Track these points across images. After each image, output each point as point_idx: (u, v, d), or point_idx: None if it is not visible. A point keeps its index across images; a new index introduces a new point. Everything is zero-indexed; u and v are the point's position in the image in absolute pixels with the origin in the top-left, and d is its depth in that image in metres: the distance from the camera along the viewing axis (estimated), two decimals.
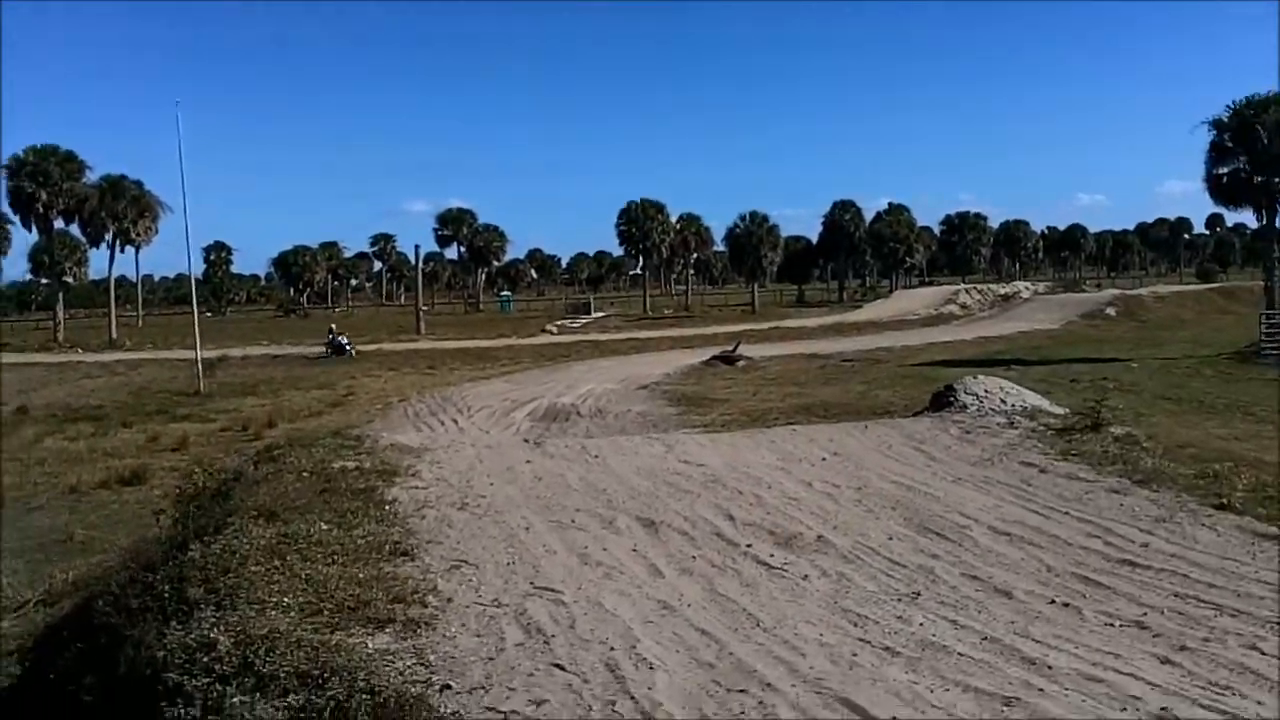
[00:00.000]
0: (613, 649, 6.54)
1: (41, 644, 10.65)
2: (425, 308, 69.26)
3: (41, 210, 60.45)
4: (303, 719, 5.52)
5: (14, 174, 60.18)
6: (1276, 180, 42.63)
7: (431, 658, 6.36)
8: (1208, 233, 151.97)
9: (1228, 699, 5.64)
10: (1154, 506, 9.91)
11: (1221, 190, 44.66)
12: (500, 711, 5.61)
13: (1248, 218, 45.64)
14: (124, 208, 64.61)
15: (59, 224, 63.55)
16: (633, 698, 5.79)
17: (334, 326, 51.66)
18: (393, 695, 5.64)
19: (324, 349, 48.17)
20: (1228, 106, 43.78)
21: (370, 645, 6.41)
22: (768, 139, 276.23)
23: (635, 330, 63.73)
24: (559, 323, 68.78)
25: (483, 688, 5.95)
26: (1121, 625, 6.89)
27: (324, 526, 8.93)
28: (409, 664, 6.19)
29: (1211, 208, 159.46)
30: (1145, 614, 7.07)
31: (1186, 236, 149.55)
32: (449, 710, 5.62)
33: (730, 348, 40.00)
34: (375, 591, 7.29)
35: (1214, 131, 44.08)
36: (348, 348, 46.86)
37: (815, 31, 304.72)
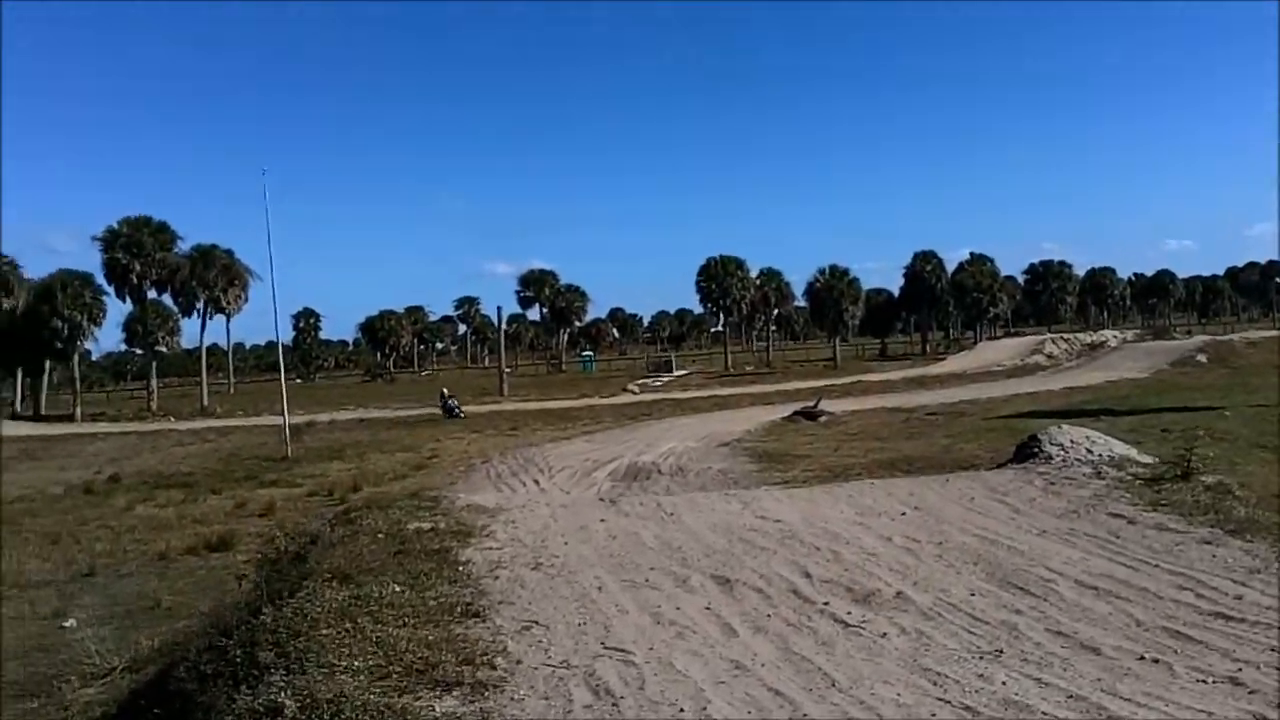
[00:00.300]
0: (682, 710, 6.41)
1: (124, 712, 10.77)
2: (508, 369, 69.81)
3: (135, 281, 62.23)
4: None
5: (109, 246, 62.05)
6: None
7: None
8: None
9: None
10: (1248, 557, 9.55)
11: None
12: None
13: None
14: (214, 276, 66.32)
15: (152, 294, 65.43)
16: None
17: (445, 390, 55.83)
18: None
19: (439, 409, 51.07)
20: None
21: (437, 709, 6.35)
22: (847, 190, 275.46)
23: (717, 387, 63.66)
24: (640, 381, 68.98)
25: None
26: (1215, 681, 6.60)
27: (396, 588, 8.93)
28: None
29: None
30: (1240, 669, 6.77)
31: (1278, 280, 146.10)
32: None
33: (812, 403, 39.79)
34: (444, 654, 7.25)
35: None
36: (457, 411, 49.76)
37: (891, 76, 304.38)
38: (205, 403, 62.50)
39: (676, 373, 77.50)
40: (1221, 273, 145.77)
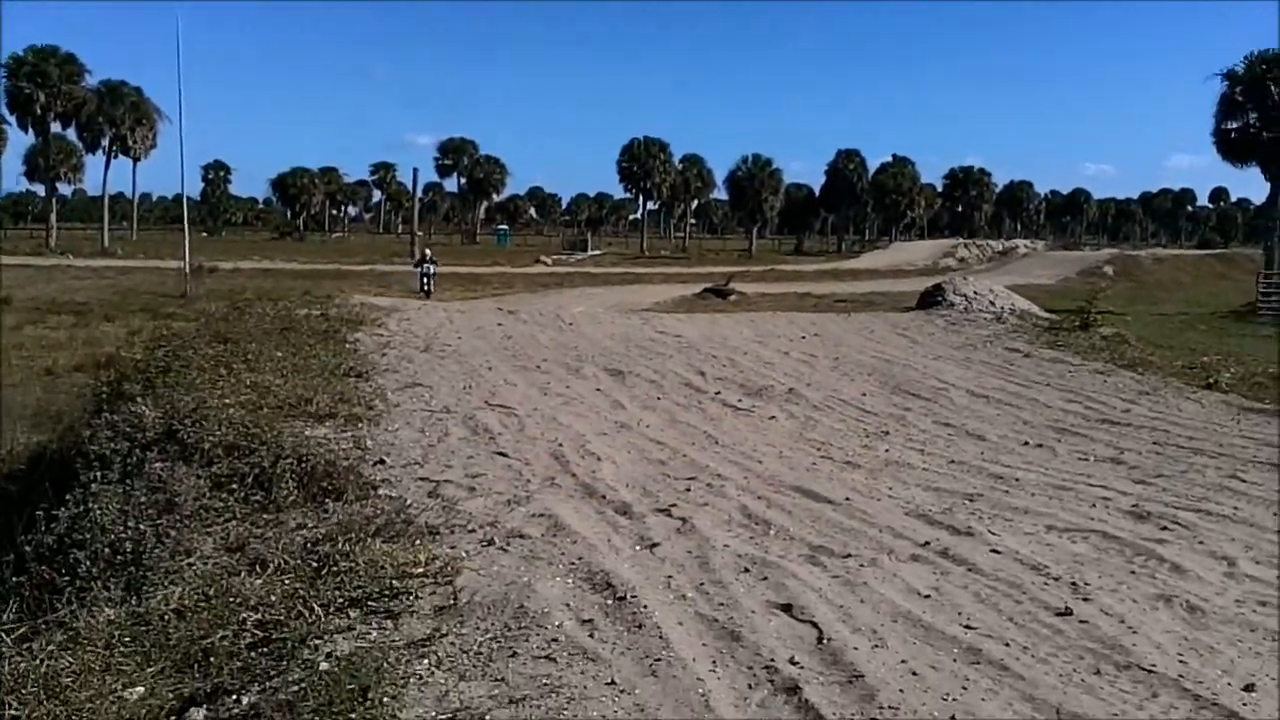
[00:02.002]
0: (561, 445, 6.26)
1: None
2: (421, 234, 68.65)
3: (39, 112, 59.54)
4: (225, 483, 5.22)
5: (12, 74, 59.27)
6: None
7: (369, 444, 6.07)
8: (1211, 206, 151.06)
9: (1205, 504, 5.35)
10: (1138, 384, 9.62)
11: (1229, 146, 44.04)
12: (433, 480, 5.32)
13: (1254, 177, 45.00)
14: (122, 114, 63.62)
15: (56, 127, 62.68)
16: (573, 475, 5.50)
17: (428, 251, 35.65)
18: (321, 463, 5.34)
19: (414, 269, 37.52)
20: (1243, 58, 43.15)
21: (308, 433, 6.10)
22: (774, 84, 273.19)
23: (630, 267, 63.28)
24: (555, 257, 68.29)
25: (419, 464, 5.67)
26: (1096, 460, 6.59)
27: (278, 354, 8.60)
28: (345, 447, 5.88)
29: (1216, 181, 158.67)
30: (1122, 453, 6.77)
31: (1190, 209, 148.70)
32: (380, 478, 5.32)
33: (724, 282, 39.64)
34: (320, 395, 6.98)
35: (1226, 84, 43.48)
36: (428, 281, 30.56)
37: None
38: (107, 244, 60.57)
39: (591, 252, 76.88)
40: (1136, 198, 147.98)
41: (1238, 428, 7.82)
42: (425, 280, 31.24)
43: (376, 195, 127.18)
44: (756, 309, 32.80)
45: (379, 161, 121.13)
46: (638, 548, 4.36)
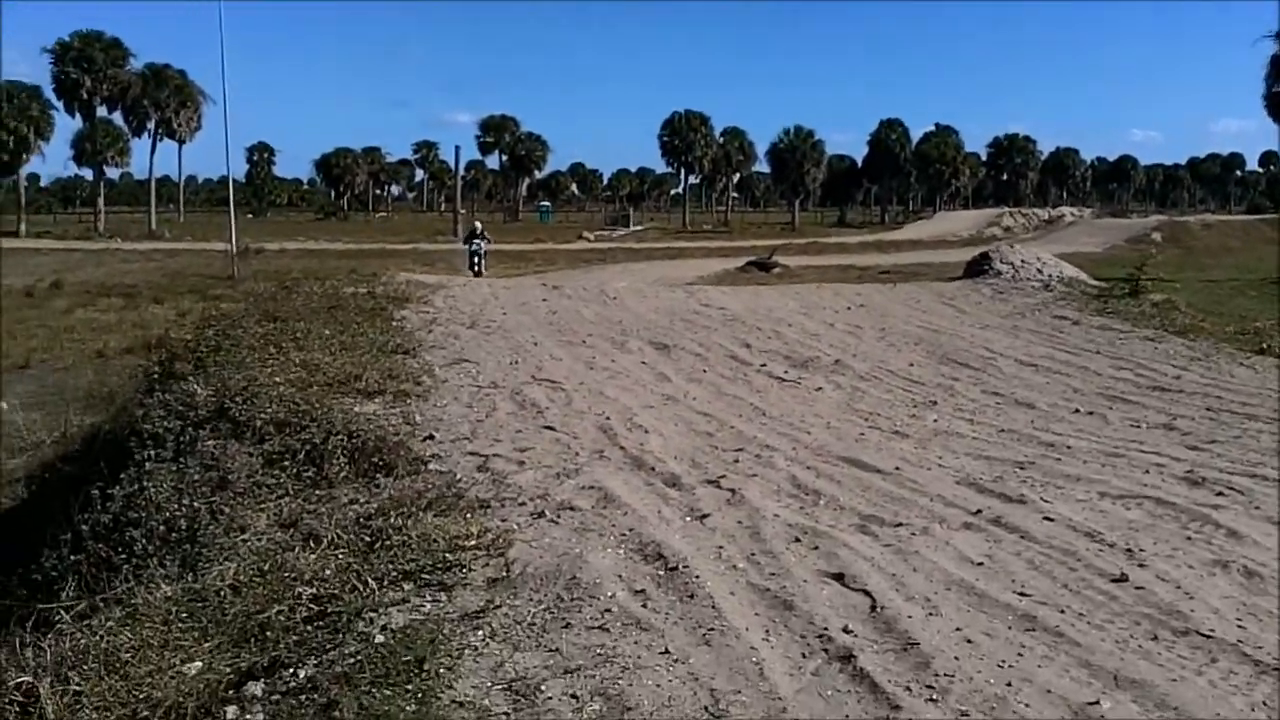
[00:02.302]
0: (608, 418, 6.27)
1: (44, 469, 10.55)
2: (464, 212, 68.86)
3: (85, 97, 60.15)
4: (277, 460, 5.28)
5: (59, 60, 59.89)
6: None
7: (418, 419, 6.11)
8: (1260, 170, 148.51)
9: (1260, 469, 5.28)
10: (1190, 351, 9.50)
11: None
12: (482, 455, 5.34)
13: None
14: (167, 97, 64.11)
15: (102, 112, 63.34)
16: (622, 448, 5.51)
17: (478, 225, 32.47)
18: (371, 439, 5.38)
19: (463, 245, 32.42)
20: None
21: (357, 409, 6.15)
22: (815, 55, 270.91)
23: (673, 242, 63.18)
24: (598, 233, 68.33)
25: (468, 439, 5.70)
26: (1148, 427, 6.52)
27: (326, 332, 8.65)
28: (395, 423, 5.92)
29: (1266, 145, 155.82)
30: (1174, 420, 6.69)
31: (1239, 173, 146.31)
32: (429, 453, 5.36)
33: (767, 255, 39.48)
34: (369, 371, 7.03)
35: (1277, 44, 42.78)
36: (478, 261, 26.99)
37: None
38: (154, 226, 61.20)
39: (634, 227, 76.79)
40: (1184, 163, 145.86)
41: None
42: (476, 260, 26.07)
43: (419, 174, 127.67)
44: (800, 281, 32.69)
45: (421, 140, 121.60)
46: (688, 519, 4.37)
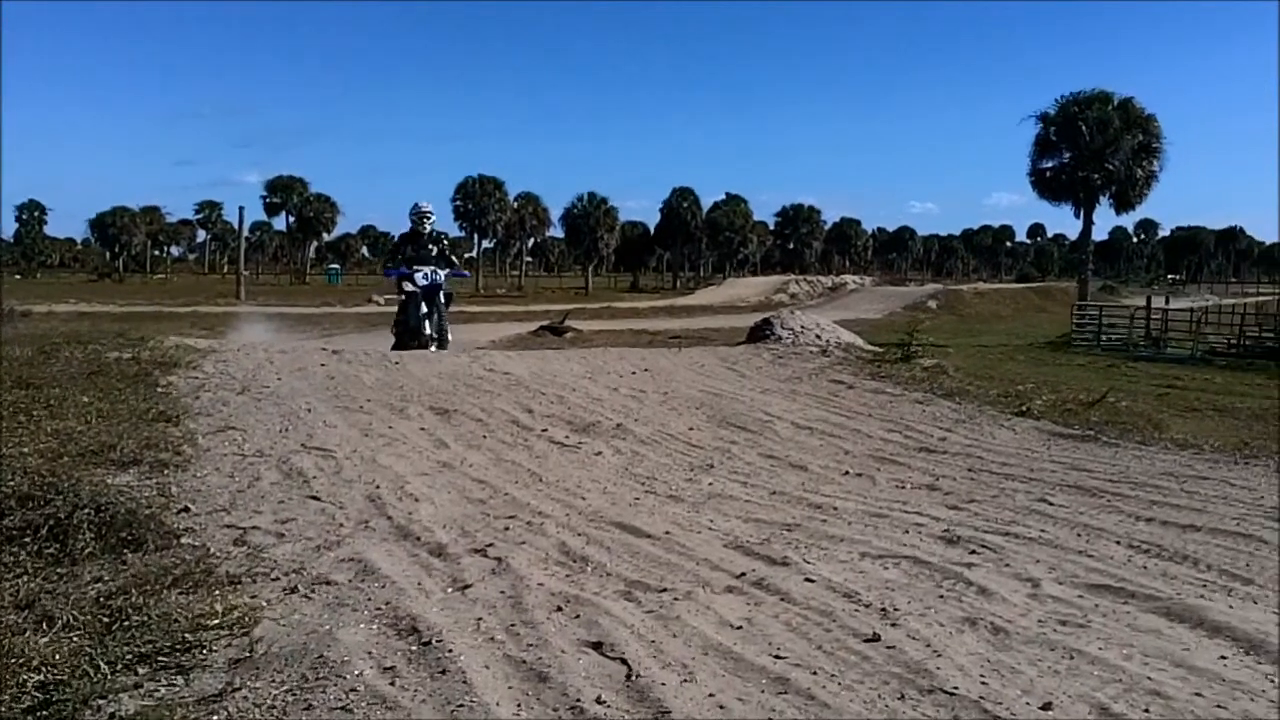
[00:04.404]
0: (378, 487, 6.08)
1: None
2: (246, 273, 67.00)
3: None
4: (16, 537, 4.91)
5: None
6: (1096, 176, 44.35)
7: (174, 490, 5.80)
8: (1029, 241, 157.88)
9: (1013, 528, 5.49)
10: (955, 413, 9.90)
11: (1044, 184, 46.28)
12: (240, 527, 5.10)
13: (1069, 213, 47.35)
14: None
15: None
16: (389, 518, 5.35)
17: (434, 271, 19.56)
18: (122, 512, 5.07)
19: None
20: (1055, 100, 45.41)
21: (110, 481, 5.80)
22: (609, 122, 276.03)
23: (465, 305, 62.84)
24: (388, 296, 67.28)
25: (225, 510, 5.43)
26: (912, 488, 6.73)
27: (84, 399, 8.19)
28: (149, 494, 5.60)
29: (1034, 217, 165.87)
30: (937, 480, 6.94)
31: (1009, 244, 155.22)
32: (184, 526, 5.08)
33: (559, 320, 39.72)
34: (126, 440, 6.66)
35: (1040, 125, 45.64)
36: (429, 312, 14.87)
37: (658, 19, 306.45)
38: None
39: None
40: (958, 234, 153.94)
41: (1048, 453, 8.10)
42: (420, 317, 14.58)
43: (201, 235, 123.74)
44: (591, 346, 32.92)
45: (205, 200, 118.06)
46: (449, 590, 4.24)
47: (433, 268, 14.55)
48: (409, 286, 14.55)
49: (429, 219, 14.92)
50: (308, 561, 4.57)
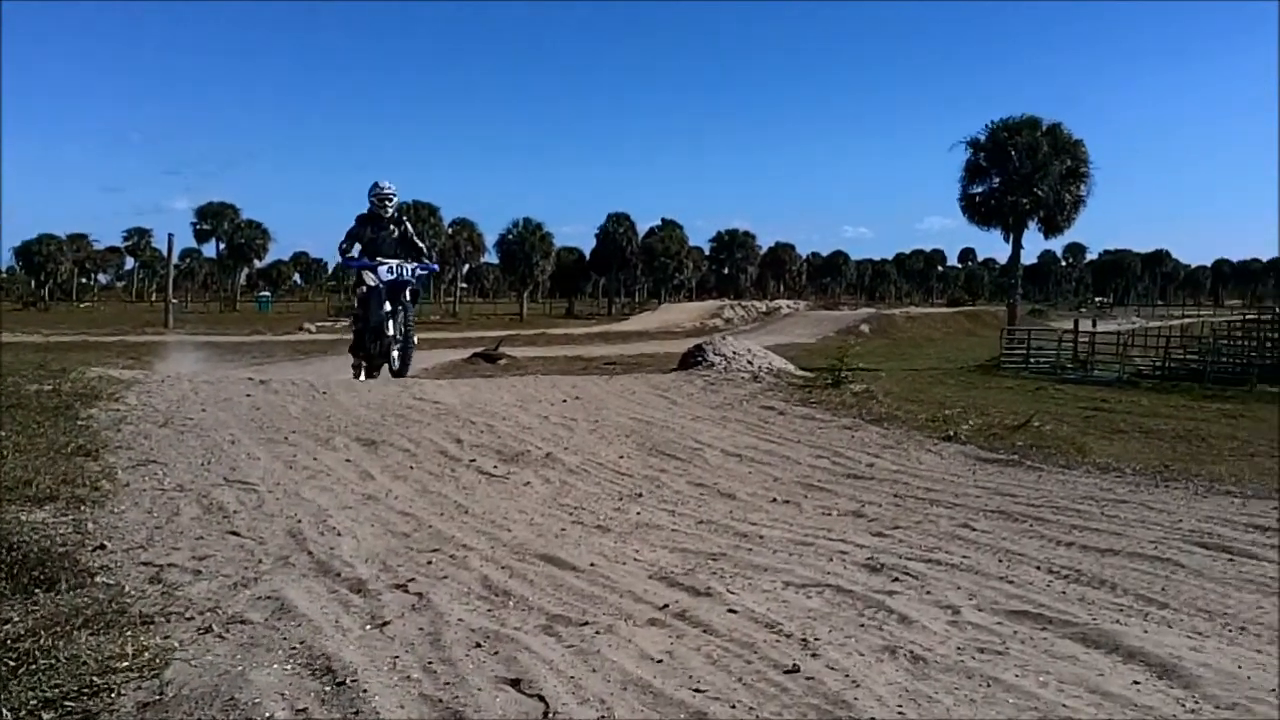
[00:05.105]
0: (300, 521, 6.00)
1: None
2: (175, 301, 66.06)
3: None
4: None
5: None
6: (1024, 201, 45.11)
7: (90, 526, 5.67)
8: (960, 265, 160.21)
9: (936, 554, 5.53)
10: (883, 438, 9.98)
11: (974, 208, 47.00)
12: (156, 565, 4.99)
13: (998, 238, 48.11)
14: None
15: None
16: (310, 553, 5.27)
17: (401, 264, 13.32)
18: (35, 551, 4.95)
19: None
20: (985, 126, 46.17)
21: (24, 519, 5.66)
22: (545, 147, 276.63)
23: None
24: (319, 324, 66.75)
25: (143, 547, 5.32)
26: (839, 515, 6.76)
27: (0, 434, 8.00)
28: (64, 532, 5.48)
29: (965, 242, 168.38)
30: (863, 507, 6.97)
31: (940, 268, 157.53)
32: (98, 564, 4.96)
33: (493, 347, 39.62)
34: (42, 476, 6.52)
35: (970, 151, 46.38)
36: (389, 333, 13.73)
37: (593, 48, 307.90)
38: None
39: None
40: (891, 258, 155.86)
41: (973, 478, 8.18)
42: (385, 317, 13.39)
43: (130, 262, 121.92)
44: (526, 373, 32.81)
45: (133, 227, 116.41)
46: (367, 627, 4.18)
47: (399, 261, 13.27)
48: (371, 280, 13.24)
49: (390, 202, 13.47)
50: (223, 599, 4.49)
